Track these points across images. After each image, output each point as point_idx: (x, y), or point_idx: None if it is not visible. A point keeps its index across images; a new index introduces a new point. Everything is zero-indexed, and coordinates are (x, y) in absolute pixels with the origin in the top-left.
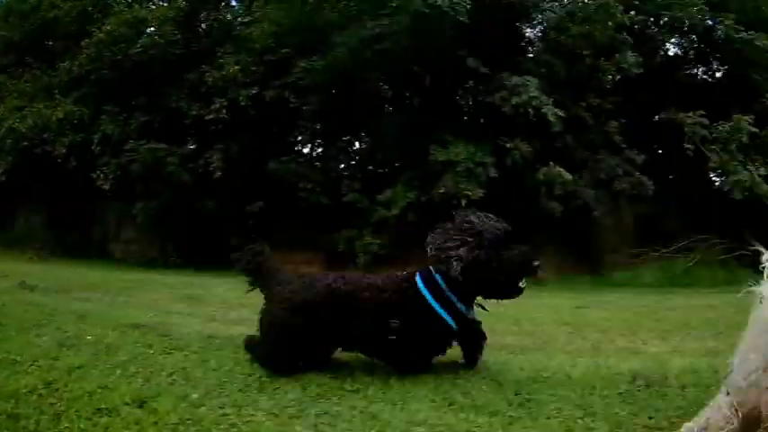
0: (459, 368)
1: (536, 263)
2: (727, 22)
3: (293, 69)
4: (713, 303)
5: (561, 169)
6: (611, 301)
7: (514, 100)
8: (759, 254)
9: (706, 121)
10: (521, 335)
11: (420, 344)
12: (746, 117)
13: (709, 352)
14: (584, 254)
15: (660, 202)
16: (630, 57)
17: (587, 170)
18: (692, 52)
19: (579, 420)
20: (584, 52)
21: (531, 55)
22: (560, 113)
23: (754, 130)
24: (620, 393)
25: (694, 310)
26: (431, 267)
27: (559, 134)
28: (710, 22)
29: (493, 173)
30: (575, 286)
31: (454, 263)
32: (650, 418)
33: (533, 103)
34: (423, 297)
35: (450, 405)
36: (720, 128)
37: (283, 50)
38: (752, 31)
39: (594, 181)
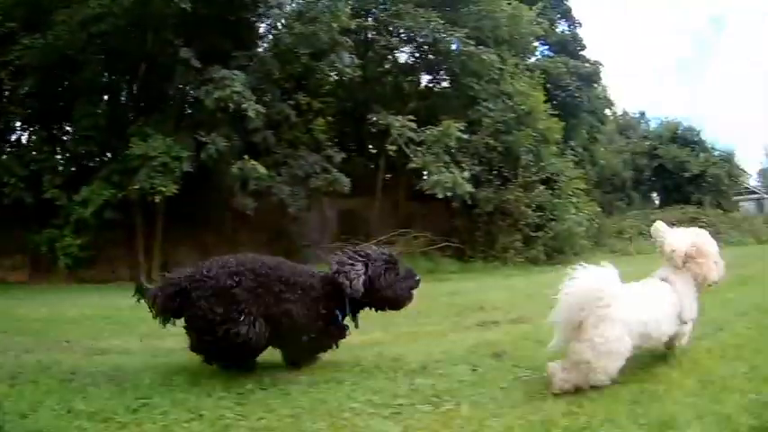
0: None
1: (417, 277)
2: (457, 35)
3: (15, 47)
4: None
5: (256, 163)
6: None
7: (217, 93)
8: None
9: (413, 125)
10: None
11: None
12: (457, 123)
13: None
14: (283, 251)
15: (366, 199)
16: (347, 58)
17: (286, 167)
18: (421, 61)
19: (185, 424)
20: (302, 51)
21: (249, 51)
22: (262, 110)
23: (463, 136)
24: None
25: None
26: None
27: (260, 130)
28: (441, 35)
29: (188, 167)
30: None
31: (354, 277)
32: (260, 419)
33: (235, 98)
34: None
35: (68, 412)
36: (428, 132)
37: (9, 24)
38: (481, 46)
39: (292, 177)
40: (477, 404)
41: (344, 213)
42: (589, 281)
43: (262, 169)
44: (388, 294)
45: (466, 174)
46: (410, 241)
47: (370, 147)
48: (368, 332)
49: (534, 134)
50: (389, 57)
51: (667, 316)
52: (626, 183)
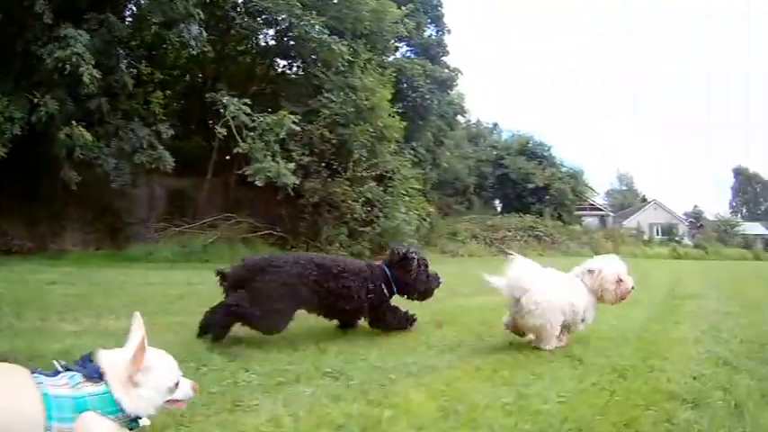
0: None
1: (442, 280)
2: (314, 22)
3: None
4: (193, 280)
5: (83, 130)
6: (87, 276)
7: (58, 53)
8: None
9: (248, 110)
10: None
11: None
12: (294, 113)
13: (107, 332)
14: (108, 227)
15: (198, 179)
16: (195, 30)
17: (117, 139)
18: (278, 45)
19: None
20: (155, 20)
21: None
22: (97, 75)
23: (296, 127)
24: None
25: (162, 287)
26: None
27: (95, 97)
28: (299, 20)
29: (18, 130)
30: (89, 261)
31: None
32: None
33: (74, 59)
34: None
35: None
36: (262, 119)
37: None
38: (335, 36)
39: (119, 150)
40: None
41: (174, 192)
42: (518, 271)
43: (88, 136)
44: (422, 288)
45: (291, 165)
46: (233, 226)
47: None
48: None
49: (372, 130)
50: (251, 38)
51: (583, 302)
52: (468, 188)
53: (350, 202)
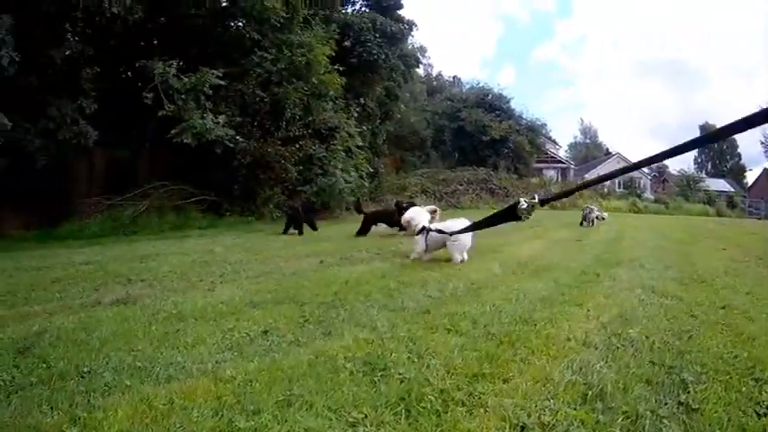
0: None
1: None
2: None
3: None
4: (92, 259)
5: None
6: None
7: None
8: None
9: (173, 71)
10: None
11: None
12: (214, 70)
13: None
14: (49, 207)
15: (130, 151)
16: None
17: (42, 117)
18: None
19: None
20: None
21: None
22: (16, 58)
23: (220, 82)
24: None
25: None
26: None
27: (19, 76)
28: None
29: None
30: (15, 244)
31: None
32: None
33: None
34: None
35: None
36: (186, 79)
37: None
38: None
39: (44, 129)
40: None
41: (114, 164)
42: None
43: (4, 120)
44: None
45: (220, 118)
46: (166, 195)
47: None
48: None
49: (306, 88)
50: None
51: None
52: (426, 141)
53: (283, 162)
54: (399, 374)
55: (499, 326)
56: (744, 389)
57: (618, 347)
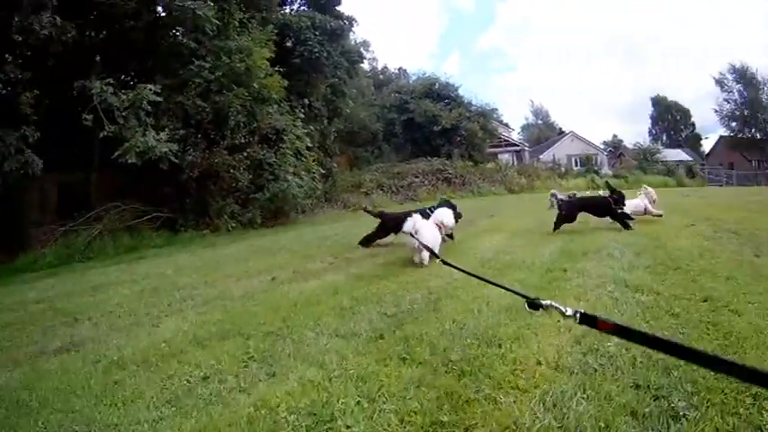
0: None
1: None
2: None
3: None
4: (43, 295)
5: None
6: None
7: None
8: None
9: (111, 89)
10: None
11: None
12: (151, 86)
13: None
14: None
15: (80, 174)
16: (45, 19)
17: None
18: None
19: None
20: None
21: None
22: None
23: (157, 98)
24: None
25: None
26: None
27: None
28: None
29: None
30: None
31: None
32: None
33: None
34: None
35: None
36: (124, 96)
37: None
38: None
39: None
40: None
41: (65, 188)
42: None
43: None
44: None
45: (163, 135)
46: (118, 216)
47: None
48: None
49: (247, 94)
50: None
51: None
52: (377, 136)
53: (232, 171)
54: (347, 428)
55: (460, 349)
56: (741, 409)
57: (595, 369)
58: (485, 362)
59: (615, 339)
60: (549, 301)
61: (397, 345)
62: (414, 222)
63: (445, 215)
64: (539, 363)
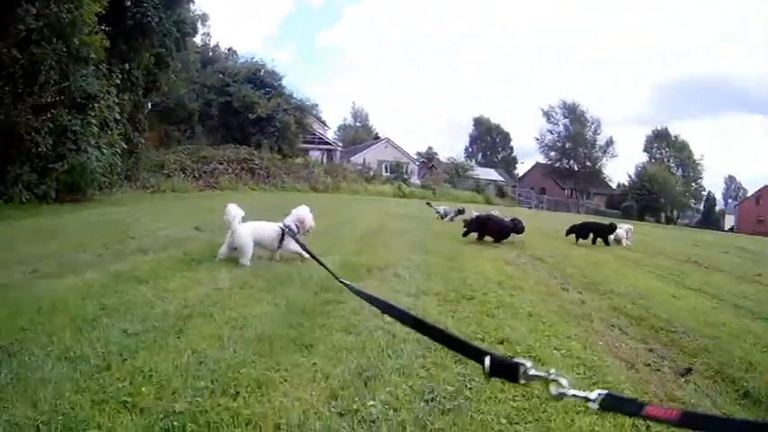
0: None
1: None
2: None
3: None
4: None
5: None
6: None
7: None
8: None
9: None
10: None
11: None
12: None
13: None
14: None
15: None
16: None
17: None
18: None
19: None
20: None
21: None
22: None
23: None
24: None
25: None
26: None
27: None
28: None
29: None
30: None
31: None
32: None
33: None
34: None
35: None
36: None
37: None
38: None
39: None
40: None
41: None
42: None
43: None
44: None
45: None
46: None
47: None
48: None
49: (65, 49)
50: None
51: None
52: (193, 115)
53: (34, 134)
54: None
55: (191, 395)
56: None
57: None
58: (212, 419)
59: (384, 391)
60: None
61: (122, 380)
62: (232, 219)
63: (305, 213)
64: (277, 427)
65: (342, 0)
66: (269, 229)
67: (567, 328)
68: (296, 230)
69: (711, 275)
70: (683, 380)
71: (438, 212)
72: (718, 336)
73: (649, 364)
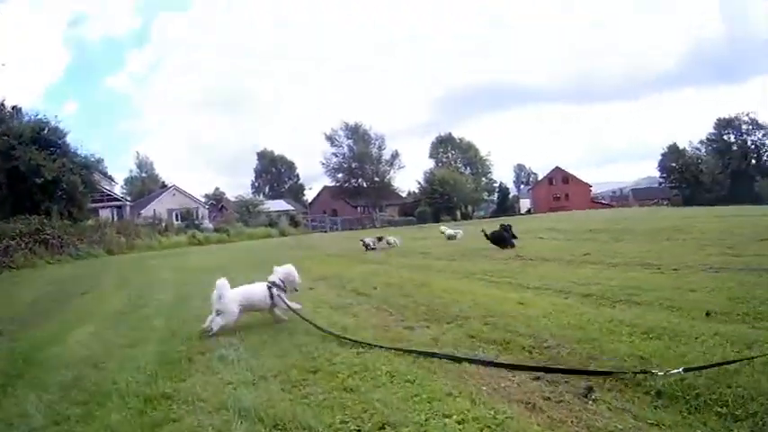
0: None
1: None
2: None
3: None
4: None
5: None
6: None
7: None
8: None
9: None
10: None
11: None
12: None
13: None
14: None
15: None
16: None
17: None
18: None
19: None
20: None
21: None
22: None
23: None
24: None
25: None
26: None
27: None
28: None
29: None
30: None
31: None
32: None
33: None
34: None
35: None
36: None
37: None
38: None
39: None
40: None
41: None
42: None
43: None
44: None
45: None
46: None
47: None
48: None
49: None
50: None
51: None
52: None
53: None
54: None
55: None
56: None
57: None
58: None
59: None
60: None
61: None
62: (220, 288)
63: (290, 270)
64: None
65: (124, 43)
66: (260, 290)
67: (441, 384)
68: (282, 287)
69: (541, 267)
70: (589, 402)
71: (366, 244)
72: (594, 336)
73: (548, 398)
